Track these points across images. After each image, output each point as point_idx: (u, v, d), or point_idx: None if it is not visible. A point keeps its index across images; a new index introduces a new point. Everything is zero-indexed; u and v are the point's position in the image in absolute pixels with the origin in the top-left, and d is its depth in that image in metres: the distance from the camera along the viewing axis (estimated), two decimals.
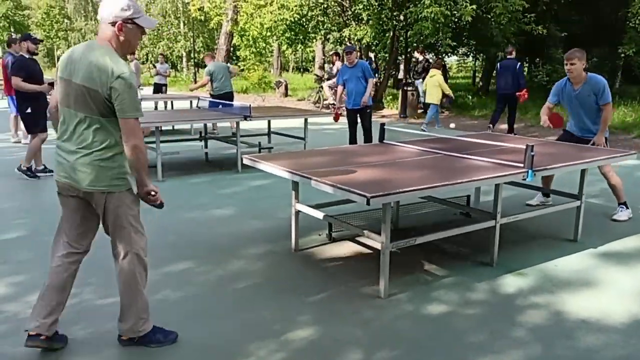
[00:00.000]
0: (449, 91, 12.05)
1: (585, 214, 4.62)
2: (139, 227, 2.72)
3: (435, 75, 12.00)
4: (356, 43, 17.35)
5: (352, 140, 8.15)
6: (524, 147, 3.73)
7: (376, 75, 16.47)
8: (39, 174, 6.68)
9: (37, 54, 6.55)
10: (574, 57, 4.84)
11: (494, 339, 2.89)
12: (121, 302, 2.75)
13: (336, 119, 8.25)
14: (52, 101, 2.74)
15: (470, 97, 17.82)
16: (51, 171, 6.66)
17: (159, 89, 14.52)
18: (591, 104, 4.90)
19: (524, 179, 3.68)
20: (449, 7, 13.12)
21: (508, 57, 11.27)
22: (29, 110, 6.43)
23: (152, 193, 2.64)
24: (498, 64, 11.81)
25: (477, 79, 23.18)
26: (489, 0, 13.78)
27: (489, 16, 14.26)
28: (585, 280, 3.68)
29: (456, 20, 13.82)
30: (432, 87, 11.96)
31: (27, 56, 6.46)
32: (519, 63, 11.05)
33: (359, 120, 8.03)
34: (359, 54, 7.98)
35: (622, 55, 16.53)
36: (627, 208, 5.16)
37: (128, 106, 2.44)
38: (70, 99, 2.51)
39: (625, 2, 16.07)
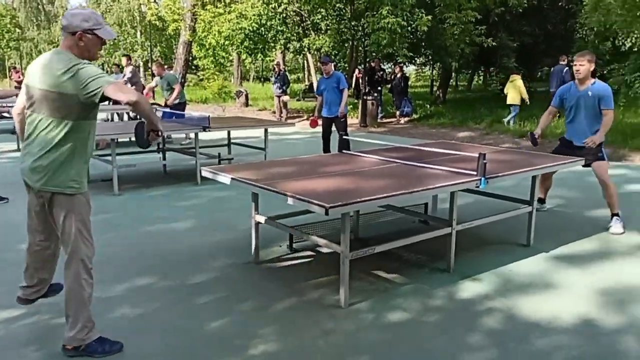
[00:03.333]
0: (526, 96, 13.32)
1: (538, 218, 4.78)
2: (86, 235, 2.76)
3: (515, 80, 13.29)
4: (315, 52, 17.49)
5: (326, 148, 8.41)
6: (477, 155, 3.84)
7: None
8: None
9: None
10: (584, 58, 4.99)
11: (452, 344, 2.96)
12: (66, 310, 2.74)
13: (313, 125, 8.47)
14: (17, 106, 2.87)
15: (428, 105, 18.18)
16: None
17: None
18: (594, 106, 4.99)
19: (478, 187, 3.79)
20: (405, 17, 13.40)
21: (560, 62, 13.12)
22: None
23: (159, 133, 2.80)
24: (552, 69, 13.71)
25: (435, 88, 23.66)
26: (443, 11, 14.14)
27: (444, 27, 14.63)
28: (537, 283, 3.81)
29: (413, 30, 14.11)
30: (513, 90, 13.12)
31: None
32: (566, 68, 12.57)
33: (333, 128, 8.31)
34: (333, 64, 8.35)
35: (572, 64, 17.20)
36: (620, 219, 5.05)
37: (97, 82, 2.52)
38: (34, 103, 2.64)
39: (573, 14, 16.76)
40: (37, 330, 3.09)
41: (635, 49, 13.70)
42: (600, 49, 17.14)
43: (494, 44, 15.55)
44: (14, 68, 27.86)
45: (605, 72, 16.54)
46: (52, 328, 3.11)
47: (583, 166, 4.97)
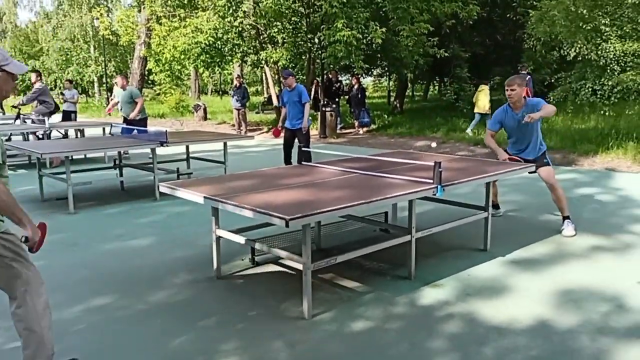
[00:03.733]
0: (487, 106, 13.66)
1: (494, 223, 4.91)
2: (26, 263, 2.56)
3: (483, 89, 13.84)
4: (273, 65, 17.54)
5: (287, 160, 8.43)
6: (433, 164, 3.94)
7: None
8: None
9: None
10: (514, 84, 5.08)
11: (414, 350, 3.00)
12: (26, 351, 2.55)
13: (276, 134, 8.64)
14: None
15: (386, 116, 18.45)
16: None
17: (67, 116, 13.82)
18: (533, 125, 5.14)
19: (434, 194, 3.87)
20: (360, 30, 13.61)
21: (521, 72, 13.31)
22: None
23: (25, 238, 2.46)
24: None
25: (392, 99, 24.04)
26: (397, 23, 14.45)
27: (398, 39, 14.93)
28: (495, 287, 3.92)
29: (368, 42, 14.35)
30: (483, 98, 13.71)
31: None
32: (529, 76, 13.08)
33: (295, 141, 8.37)
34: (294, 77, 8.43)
35: (524, 73, 17.82)
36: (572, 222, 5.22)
37: None
38: None
39: (522, 25, 17.38)
40: None
41: (580, 58, 14.30)
42: (548, 58, 17.82)
43: (446, 54, 15.98)
44: None
45: (553, 80, 17.20)
46: (5, 353, 2.99)
47: (530, 173, 5.14)
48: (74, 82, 13.96)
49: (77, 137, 11.56)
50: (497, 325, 3.30)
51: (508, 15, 20.07)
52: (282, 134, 8.51)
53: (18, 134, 11.24)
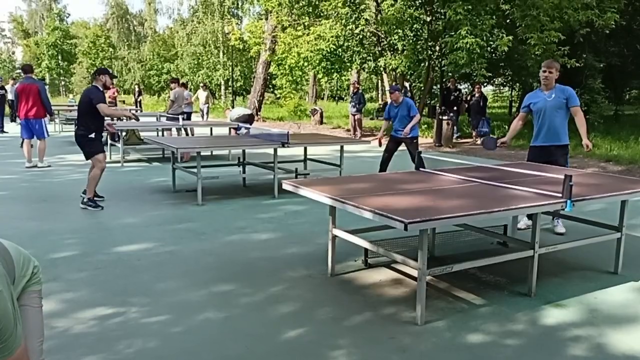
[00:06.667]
0: None
1: (627, 246, 4.54)
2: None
3: None
4: (391, 72, 17.55)
5: (383, 168, 8.24)
6: (562, 177, 3.73)
7: None
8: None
9: (109, 89, 7.08)
10: (553, 67, 5.41)
11: None
12: None
13: (379, 143, 8.55)
14: None
15: (506, 126, 17.69)
16: (102, 197, 6.86)
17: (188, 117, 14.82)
18: (562, 107, 5.40)
19: (563, 209, 3.67)
20: (484, 38, 13.19)
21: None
22: (92, 136, 6.55)
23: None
24: None
25: (514, 109, 23.00)
26: (525, 31, 13.78)
27: (525, 47, 14.24)
28: (627, 314, 3.62)
29: (492, 50, 13.87)
30: None
31: (100, 88, 6.62)
32: None
33: (398, 149, 8.24)
34: (404, 90, 8.27)
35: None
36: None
37: None
38: None
39: None
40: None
41: None
42: None
43: (577, 64, 14.95)
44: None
45: None
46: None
47: None
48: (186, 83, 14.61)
49: (187, 135, 12.44)
50: (630, 353, 3.05)
51: None
52: (384, 143, 8.36)
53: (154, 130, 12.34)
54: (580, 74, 17.60)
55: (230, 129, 12.71)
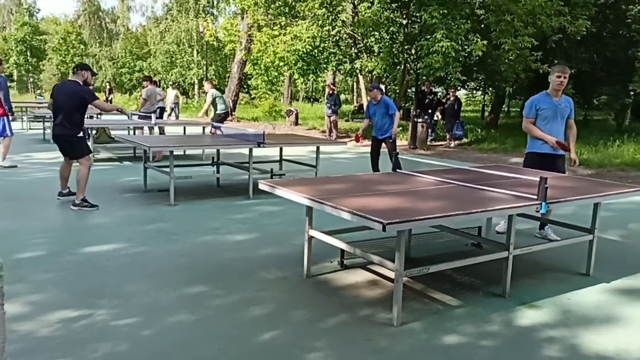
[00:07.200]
0: None
1: (597, 248, 4.60)
2: None
3: None
4: (367, 74, 17.60)
5: (375, 167, 8.64)
6: (537, 179, 3.76)
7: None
8: (62, 198, 6.66)
9: (91, 85, 6.97)
10: (567, 72, 5.32)
11: None
12: None
13: (357, 140, 8.93)
14: None
15: (479, 130, 17.92)
16: (72, 193, 6.61)
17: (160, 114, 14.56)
18: (565, 116, 5.39)
19: (538, 211, 3.69)
20: (460, 42, 13.32)
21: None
22: (80, 135, 6.32)
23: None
24: None
25: (486, 113, 23.32)
26: (499, 36, 13.96)
27: (499, 52, 14.43)
28: (600, 314, 3.66)
29: (466, 54, 14.01)
30: None
31: (80, 83, 6.32)
32: None
33: (383, 149, 8.63)
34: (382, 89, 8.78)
35: (632, 93, 16.65)
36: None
37: None
38: None
39: (635, 42, 16.25)
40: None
41: None
42: None
43: (549, 69, 15.23)
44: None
45: None
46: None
47: None
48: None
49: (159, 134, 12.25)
50: (603, 354, 3.08)
51: (620, 32, 18.85)
52: (367, 142, 8.75)
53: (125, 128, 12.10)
54: None
55: (211, 128, 12.58)
